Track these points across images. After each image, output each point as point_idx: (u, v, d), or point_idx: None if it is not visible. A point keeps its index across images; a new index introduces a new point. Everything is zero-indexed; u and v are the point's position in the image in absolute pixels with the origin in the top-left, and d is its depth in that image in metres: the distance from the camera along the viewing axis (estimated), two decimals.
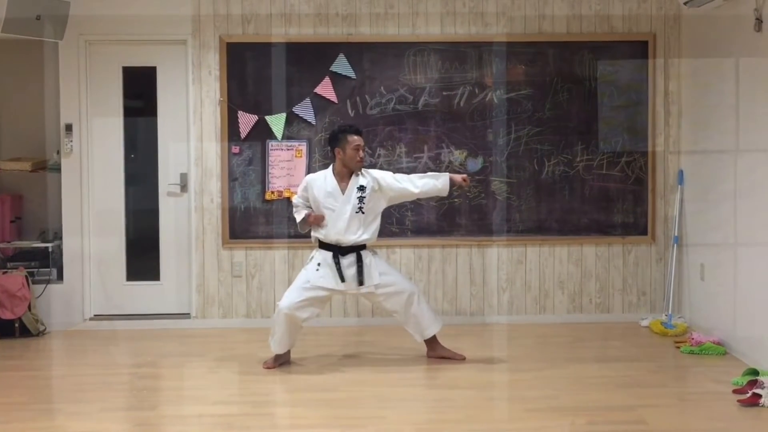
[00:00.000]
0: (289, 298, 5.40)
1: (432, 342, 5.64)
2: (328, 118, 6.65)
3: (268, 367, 5.50)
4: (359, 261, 5.42)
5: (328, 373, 5.41)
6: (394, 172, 5.63)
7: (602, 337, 6.31)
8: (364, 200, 5.41)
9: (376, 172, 5.56)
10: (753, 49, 5.50)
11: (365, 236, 5.45)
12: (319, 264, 5.43)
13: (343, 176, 5.47)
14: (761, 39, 5.38)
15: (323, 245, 5.48)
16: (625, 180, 6.77)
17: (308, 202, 5.53)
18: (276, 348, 5.51)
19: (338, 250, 5.43)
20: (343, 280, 5.40)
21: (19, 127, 6.95)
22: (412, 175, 5.61)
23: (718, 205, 6.04)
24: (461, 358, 5.60)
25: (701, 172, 6.39)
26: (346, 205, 5.41)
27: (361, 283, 5.41)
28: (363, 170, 5.50)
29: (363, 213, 5.42)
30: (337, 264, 5.40)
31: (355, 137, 5.46)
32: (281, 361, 5.55)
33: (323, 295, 5.45)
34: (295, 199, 5.63)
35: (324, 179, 5.49)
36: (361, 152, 5.45)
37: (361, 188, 5.43)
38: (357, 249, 5.44)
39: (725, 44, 5.93)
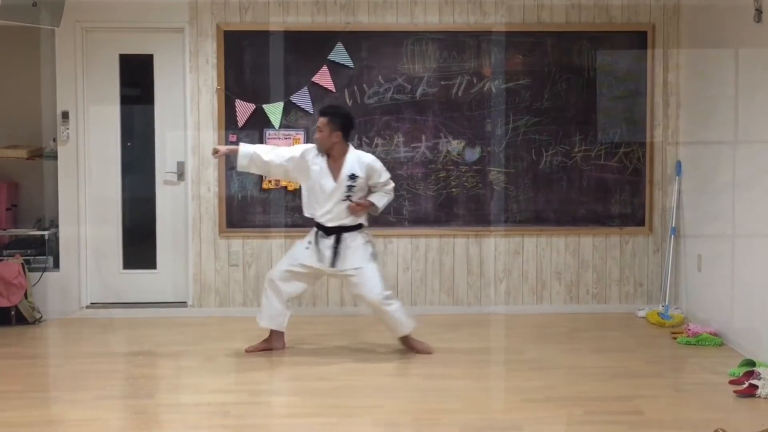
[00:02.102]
0: (276, 268, 5.58)
1: (403, 337, 5.61)
2: None
3: (249, 351, 5.55)
4: (339, 243, 5.41)
5: (324, 362, 5.41)
6: (390, 163, 5.54)
7: (599, 328, 6.32)
8: (354, 189, 5.38)
9: (373, 164, 5.46)
10: (752, 40, 5.49)
11: (347, 220, 5.42)
12: (309, 242, 5.47)
13: (329, 156, 5.44)
14: (761, 30, 5.36)
15: (315, 224, 5.49)
16: (623, 171, 6.76)
17: (289, 163, 5.43)
18: (261, 321, 5.56)
19: (324, 230, 5.43)
20: (322, 259, 5.40)
21: (15, 114, 6.92)
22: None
23: (716, 196, 6.04)
24: (429, 352, 5.54)
25: (699, 163, 6.38)
26: (334, 190, 5.36)
27: (333, 264, 5.41)
28: (362, 155, 5.46)
29: (351, 201, 5.39)
30: (317, 243, 5.42)
31: (320, 118, 5.46)
32: (265, 348, 5.57)
33: (305, 272, 5.48)
34: (279, 150, 5.54)
35: (318, 155, 5.45)
36: (317, 133, 5.43)
37: (353, 177, 5.37)
38: (343, 230, 5.42)
39: (725, 35, 5.92)
